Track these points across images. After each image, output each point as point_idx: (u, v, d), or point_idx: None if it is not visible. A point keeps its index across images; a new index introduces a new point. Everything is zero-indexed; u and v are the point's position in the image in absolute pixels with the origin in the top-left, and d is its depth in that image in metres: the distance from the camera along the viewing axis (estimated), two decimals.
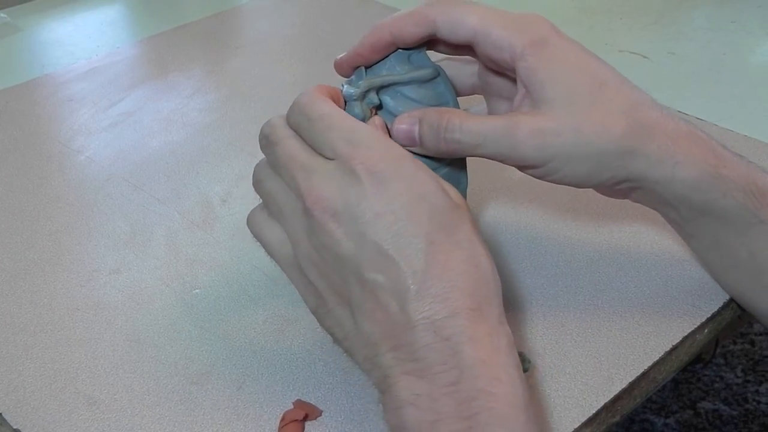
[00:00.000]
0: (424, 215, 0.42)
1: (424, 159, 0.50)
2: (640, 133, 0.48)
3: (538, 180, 0.67)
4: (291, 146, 0.45)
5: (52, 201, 0.68)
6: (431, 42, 0.51)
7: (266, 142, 0.47)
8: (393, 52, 0.50)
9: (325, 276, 0.44)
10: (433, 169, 0.51)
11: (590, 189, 0.64)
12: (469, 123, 0.48)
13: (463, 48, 0.51)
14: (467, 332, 0.40)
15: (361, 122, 0.45)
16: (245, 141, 0.75)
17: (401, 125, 0.49)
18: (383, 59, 0.50)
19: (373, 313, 0.42)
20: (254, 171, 0.48)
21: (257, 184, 0.48)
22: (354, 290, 0.43)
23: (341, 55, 0.51)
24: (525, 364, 0.50)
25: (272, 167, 0.46)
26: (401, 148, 0.45)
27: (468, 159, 0.52)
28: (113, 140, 0.76)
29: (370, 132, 0.44)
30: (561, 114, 0.47)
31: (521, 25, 0.48)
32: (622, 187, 0.51)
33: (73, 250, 0.63)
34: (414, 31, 0.49)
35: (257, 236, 0.48)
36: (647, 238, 0.61)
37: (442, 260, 0.41)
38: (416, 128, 0.49)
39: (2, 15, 1.01)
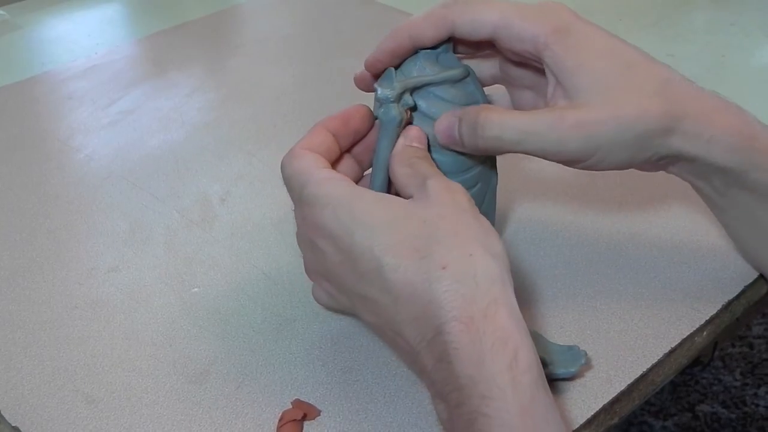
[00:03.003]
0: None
1: (460, 158, 0.51)
2: (674, 110, 0.48)
3: (536, 182, 0.67)
4: None
5: (51, 199, 0.68)
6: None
7: None
8: (419, 53, 0.50)
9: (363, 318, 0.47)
10: (467, 169, 0.52)
11: (590, 191, 0.64)
12: (509, 119, 0.48)
13: (483, 45, 0.51)
14: (454, 347, 0.39)
15: None
16: (244, 140, 0.75)
17: (441, 125, 0.50)
18: (410, 60, 0.51)
19: (396, 347, 0.45)
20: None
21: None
22: (379, 334, 0.48)
23: (359, 72, 0.52)
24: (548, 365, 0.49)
25: None
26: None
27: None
28: (112, 138, 0.76)
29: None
30: (599, 103, 0.47)
31: (541, 15, 0.48)
32: (662, 162, 0.51)
33: (72, 248, 0.63)
34: (433, 34, 0.49)
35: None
36: (646, 240, 0.61)
37: (407, 280, 0.41)
38: (456, 127, 0.49)
39: (2, 12, 1.01)
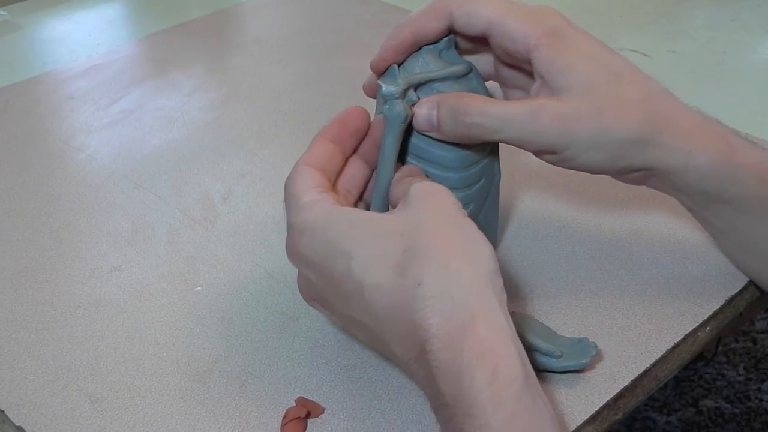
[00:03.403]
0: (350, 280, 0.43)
1: (464, 153, 0.51)
2: (655, 122, 0.48)
3: (538, 177, 0.67)
4: None
5: (53, 199, 0.68)
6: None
7: None
8: (421, 49, 0.51)
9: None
10: (471, 164, 0.52)
11: (593, 186, 0.64)
12: (489, 107, 0.48)
13: (478, 40, 0.51)
14: (435, 365, 0.39)
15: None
16: (246, 139, 0.75)
17: (420, 110, 0.49)
18: (413, 56, 0.51)
19: (392, 362, 0.46)
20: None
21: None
22: (374, 351, 0.51)
23: (367, 80, 0.52)
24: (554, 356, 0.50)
25: None
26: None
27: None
28: (114, 138, 0.76)
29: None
30: (581, 101, 0.48)
31: (535, 17, 0.49)
32: (638, 174, 0.51)
33: (75, 247, 0.63)
34: (434, 26, 0.50)
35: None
36: (648, 236, 0.61)
37: (388, 299, 0.41)
38: (434, 113, 0.49)
39: (3, 13, 1.01)
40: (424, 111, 0.49)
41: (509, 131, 0.48)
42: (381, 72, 0.51)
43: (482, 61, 0.55)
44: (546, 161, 0.51)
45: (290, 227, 0.46)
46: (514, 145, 0.49)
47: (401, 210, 0.44)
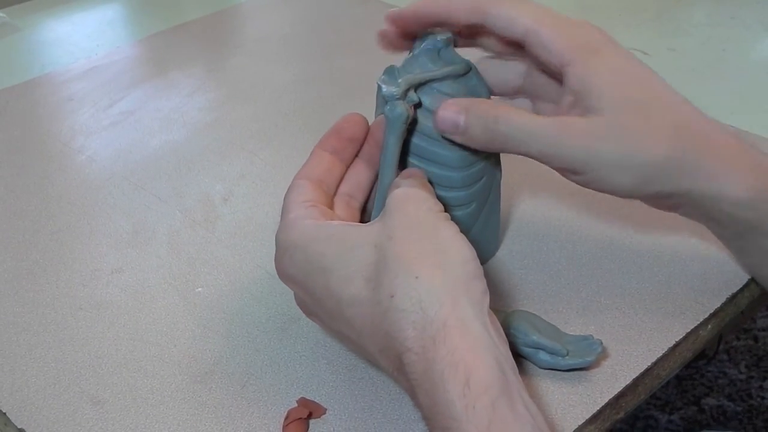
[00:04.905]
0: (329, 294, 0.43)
1: (465, 153, 0.51)
2: (686, 149, 0.47)
3: (539, 177, 0.67)
4: None
5: (53, 201, 0.68)
6: (479, 34, 0.52)
7: None
8: (420, 50, 0.50)
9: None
10: (473, 163, 0.52)
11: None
12: (519, 119, 0.48)
13: (513, 44, 0.51)
14: (413, 377, 0.39)
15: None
16: (246, 139, 0.75)
17: (446, 112, 0.49)
18: (411, 57, 0.51)
19: (382, 370, 0.46)
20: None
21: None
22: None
23: (381, 30, 0.52)
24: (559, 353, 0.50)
25: None
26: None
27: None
28: (114, 139, 0.76)
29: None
30: (610, 122, 0.47)
31: (573, 30, 0.48)
32: (670, 202, 0.50)
33: (75, 249, 0.63)
34: (465, 17, 0.49)
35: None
36: (649, 234, 0.61)
37: (365, 313, 0.41)
38: (462, 117, 0.48)
39: (1, 15, 1.01)
40: (451, 114, 0.49)
41: (534, 144, 0.47)
42: (395, 20, 0.51)
43: (512, 72, 0.54)
44: (572, 181, 0.50)
45: (276, 245, 0.46)
46: (537, 160, 0.48)
47: (379, 220, 0.44)
